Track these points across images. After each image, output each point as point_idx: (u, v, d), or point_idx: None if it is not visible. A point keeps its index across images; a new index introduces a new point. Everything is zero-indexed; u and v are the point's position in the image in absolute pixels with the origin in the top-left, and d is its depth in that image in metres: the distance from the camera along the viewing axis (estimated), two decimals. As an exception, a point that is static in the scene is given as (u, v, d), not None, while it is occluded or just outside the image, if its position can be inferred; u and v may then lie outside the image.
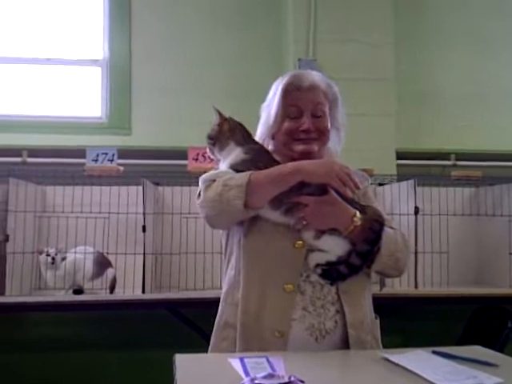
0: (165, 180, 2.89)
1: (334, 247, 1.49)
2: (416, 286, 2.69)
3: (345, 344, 1.52)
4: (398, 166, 3.27)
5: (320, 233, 1.50)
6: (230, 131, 1.58)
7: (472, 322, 2.71)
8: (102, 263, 2.62)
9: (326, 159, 1.62)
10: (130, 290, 2.59)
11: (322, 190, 1.52)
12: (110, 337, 2.91)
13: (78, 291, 2.58)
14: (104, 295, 2.56)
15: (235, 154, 1.54)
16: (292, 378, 1.14)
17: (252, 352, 1.44)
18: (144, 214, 2.61)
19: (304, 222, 1.49)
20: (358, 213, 1.52)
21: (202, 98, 3.35)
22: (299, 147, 1.61)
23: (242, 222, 1.54)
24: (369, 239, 1.49)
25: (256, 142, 1.62)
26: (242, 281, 1.53)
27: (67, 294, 2.56)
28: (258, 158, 1.56)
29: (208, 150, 1.64)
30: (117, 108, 3.35)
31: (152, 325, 2.81)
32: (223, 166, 1.57)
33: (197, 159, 2.77)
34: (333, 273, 1.49)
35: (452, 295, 2.71)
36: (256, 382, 1.13)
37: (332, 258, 1.49)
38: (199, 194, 1.55)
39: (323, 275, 1.49)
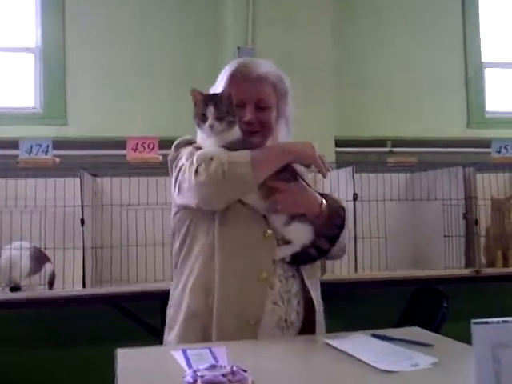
0: (103, 171, 2.83)
1: (300, 236, 1.54)
2: (356, 271, 2.76)
3: (303, 333, 1.57)
4: (337, 153, 3.32)
5: (291, 219, 1.54)
6: (233, 106, 1.53)
7: (410, 303, 2.80)
8: (40, 258, 2.54)
9: (305, 141, 1.61)
10: (69, 286, 2.53)
11: (294, 176, 1.56)
12: (50, 334, 2.83)
13: (15, 288, 2.49)
14: (42, 291, 2.49)
15: (235, 130, 1.53)
16: (234, 368, 1.14)
17: (226, 340, 1.45)
18: (82, 206, 2.54)
19: (278, 207, 1.52)
20: (323, 200, 1.57)
21: (140, 85, 3.30)
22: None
23: (214, 211, 1.53)
24: (337, 224, 1.56)
25: None
26: (218, 269, 1.52)
27: (3, 292, 2.47)
28: (246, 138, 1.56)
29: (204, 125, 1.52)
30: (51, 97, 3.25)
31: (94, 320, 2.75)
32: (214, 141, 1.51)
33: (136, 149, 2.72)
34: (302, 257, 1.54)
35: (390, 278, 2.79)
36: (198, 373, 1.12)
37: (296, 248, 1.54)
38: (196, 172, 1.47)
39: (293, 261, 1.54)
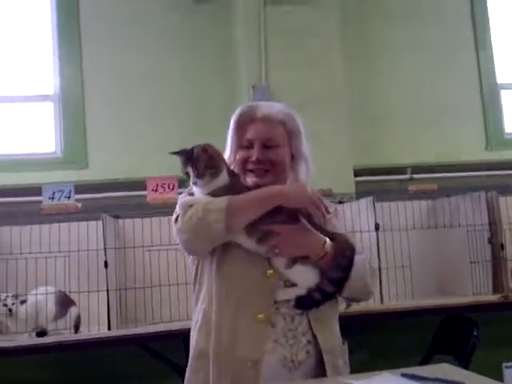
0: (125, 212, 2.86)
1: (304, 278, 1.51)
2: (382, 301, 2.72)
3: (317, 372, 1.52)
4: (357, 183, 3.31)
5: (292, 261, 1.51)
6: (218, 156, 1.56)
7: (439, 332, 2.74)
8: (65, 302, 2.56)
9: (299, 184, 1.64)
10: (95, 328, 2.54)
11: (294, 217, 1.55)
12: (77, 378, 2.82)
13: (42, 333, 2.51)
14: (69, 335, 2.49)
15: (221, 178, 1.55)
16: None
17: (225, 382, 1.43)
18: (105, 249, 2.56)
19: (276, 251, 1.50)
20: (327, 240, 1.54)
21: (158, 125, 3.35)
22: (252, 179, 1.62)
23: (214, 250, 1.54)
24: (342, 266, 1.51)
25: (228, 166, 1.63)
26: (215, 310, 1.53)
27: (30, 337, 2.48)
28: (236, 183, 1.58)
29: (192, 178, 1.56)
30: (71, 142, 3.31)
31: (121, 361, 2.74)
32: (201, 191, 1.55)
33: (156, 190, 2.74)
34: (307, 301, 1.50)
35: (417, 307, 2.74)
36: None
37: (302, 291, 1.50)
38: (176, 220, 1.54)
39: (297, 305, 1.50)
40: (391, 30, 3.73)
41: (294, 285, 1.52)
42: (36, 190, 2.71)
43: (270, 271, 1.52)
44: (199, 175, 1.51)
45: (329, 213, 1.58)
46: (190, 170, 1.52)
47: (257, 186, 1.59)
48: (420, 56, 3.73)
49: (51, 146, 3.34)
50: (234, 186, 1.55)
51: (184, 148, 1.56)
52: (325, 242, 1.53)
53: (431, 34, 3.76)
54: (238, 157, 1.65)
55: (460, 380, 1.36)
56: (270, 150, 1.62)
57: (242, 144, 1.64)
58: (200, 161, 1.51)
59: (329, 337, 1.56)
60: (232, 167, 1.65)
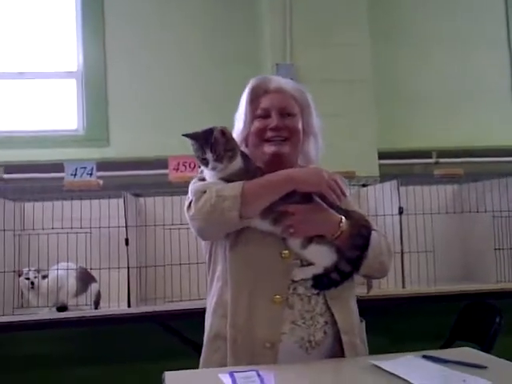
0: (146, 191, 2.85)
1: (320, 258, 1.49)
2: (403, 286, 2.69)
3: (334, 353, 1.51)
4: (381, 165, 3.26)
5: (307, 241, 1.49)
6: (233, 138, 1.54)
7: (461, 318, 2.70)
8: (86, 279, 2.58)
9: (314, 167, 1.62)
10: (115, 305, 2.55)
11: (308, 198, 1.52)
12: (96, 353, 2.85)
13: (62, 308, 2.53)
14: (89, 311, 2.51)
15: (236, 162, 1.52)
16: (282, 394, 1.12)
17: (242, 364, 1.42)
18: (126, 227, 2.56)
19: (291, 230, 1.48)
20: (343, 218, 1.52)
21: (180, 105, 3.33)
22: (270, 148, 1.59)
23: (228, 233, 1.53)
24: (358, 245, 1.50)
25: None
26: (230, 293, 1.51)
27: (51, 312, 2.51)
28: (249, 166, 1.55)
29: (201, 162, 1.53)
30: (94, 120, 3.30)
31: (139, 338, 2.76)
32: (214, 176, 1.52)
33: (177, 169, 2.73)
34: (324, 281, 1.49)
35: (439, 293, 2.70)
36: (245, 399, 1.10)
37: (319, 270, 1.49)
38: (189, 206, 1.52)
39: (315, 285, 1.49)
40: (420, 12, 3.64)
41: (310, 264, 1.50)
42: (58, 167, 2.72)
43: (286, 252, 1.50)
44: (218, 159, 1.47)
45: (345, 195, 1.55)
46: (208, 154, 1.47)
47: (276, 155, 1.58)
48: (449, 39, 3.64)
49: (74, 123, 3.34)
50: (248, 170, 1.53)
51: (196, 131, 1.52)
52: (340, 220, 1.51)
53: (462, 18, 3.66)
54: (253, 127, 1.62)
55: (483, 363, 1.33)
56: (287, 118, 1.61)
57: (257, 114, 1.62)
58: (219, 143, 1.47)
59: (347, 317, 1.54)
60: (243, 145, 1.64)
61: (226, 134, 1.49)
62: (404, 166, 3.35)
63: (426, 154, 3.42)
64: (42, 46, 3.39)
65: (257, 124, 1.62)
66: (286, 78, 1.73)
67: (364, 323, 1.64)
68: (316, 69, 3.09)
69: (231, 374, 1.30)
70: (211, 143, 1.46)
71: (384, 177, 2.98)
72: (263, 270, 1.50)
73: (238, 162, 1.51)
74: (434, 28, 3.64)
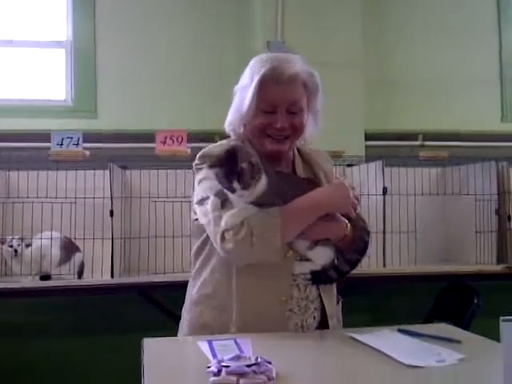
0: (132, 164, 2.86)
1: (321, 257, 1.53)
2: (384, 265, 2.73)
3: None
4: (367, 147, 3.29)
5: (314, 244, 1.53)
6: (257, 164, 1.42)
7: (440, 299, 2.75)
8: (70, 248, 2.58)
9: (340, 185, 1.57)
10: (98, 275, 2.56)
11: None
12: (78, 323, 2.86)
13: (46, 277, 2.54)
14: (72, 280, 2.52)
15: (261, 183, 1.43)
16: (259, 359, 1.14)
17: None
18: (111, 198, 2.57)
19: (303, 236, 1.51)
20: (348, 223, 1.56)
21: (169, 79, 3.31)
22: (271, 145, 1.58)
23: None
24: (359, 249, 1.56)
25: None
26: (236, 294, 1.52)
27: (34, 280, 2.52)
28: (271, 181, 1.47)
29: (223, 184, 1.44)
30: (82, 91, 3.28)
31: (122, 309, 2.78)
32: (240, 196, 1.44)
33: (164, 142, 2.73)
34: (322, 278, 1.55)
35: (419, 273, 2.75)
36: (223, 363, 1.12)
37: (316, 267, 1.54)
38: (223, 237, 1.44)
39: (314, 280, 1.55)
40: (408, 2, 3.64)
41: (307, 259, 1.54)
42: (45, 137, 2.70)
43: (290, 253, 1.53)
44: (245, 187, 1.40)
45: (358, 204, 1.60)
46: (234, 183, 1.39)
47: (275, 152, 1.59)
48: (439, 24, 3.64)
49: (62, 94, 3.32)
50: (272, 186, 1.46)
51: (218, 158, 1.42)
52: (346, 225, 1.55)
53: (452, 5, 3.67)
54: (257, 121, 1.57)
55: (457, 338, 1.37)
56: (294, 115, 1.57)
57: (264, 108, 1.56)
58: (246, 173, 1.39)
59: (332, 302, 1.62)
60: (241, 127, 1.62)
61: (252, 161, 1.40)
62: (390, 147, 3.37)
63: (412, 136, 3.45)
64: (32, 15, 3.35)
65: (261, 119, 1.57)
66: (297, 56, 1.64)
67: (341, 303, 1.70)
68: (306, 48, 3.07)
69: (209, 342, 1.33)
70: (238, 173, 1.39)
71: (370, 157, 3.01)
72: (269, 272, 1.51)
73: (262, 183, 1.44)
74: (424, 14, 3.64)
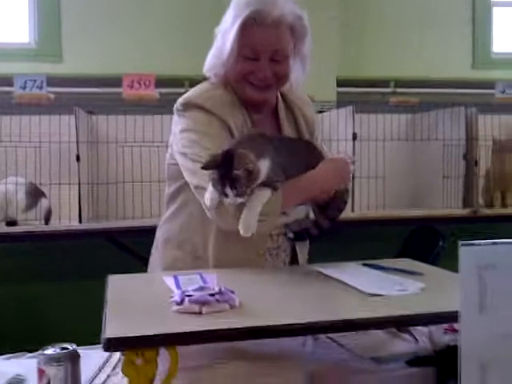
0: (99, 109, 2.79)
1: (297, 212, 1.52)
2: (353, 210, 2.75)
3: None
4: (338, 93, 3.26)
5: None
6: (257, 167, 1.33)
7: (407, 242, 2.80)
8: (35, 194, 2.54)
9: (339, 161, 1.56)
10: (66, 221, 2.53)
11: (307, 167, 1.50)
12: (46, 268, 2.84)
13: (11, 223, 2.50)
14: (39, 226, 2.49)
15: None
16: (223, 289, 1.14)
17: None
18: (77, 142, 2.51)
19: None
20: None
21: (137, 21, 3.21)
22: (253, 93, 1.52)
23: None
24: (340, 208, 1.56)
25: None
26: (215, 243, 1.51)
27: (0, 226, 2.48)
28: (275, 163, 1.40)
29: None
30: (46, 33, 3.16)
31: (90, 255, 2.75)
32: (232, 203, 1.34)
33: (132, 86, 2.67)
34: (304, 235, 1.57)
35: (387, 217, 2.79)
36: (186, 293, 1.13)
37: (289, 220, 1.52)
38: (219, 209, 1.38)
39: (295, 238, 1.57)
40: None
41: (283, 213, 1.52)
42: (8, 81, 2.61)
43: None
44: (239, 195, 1.31)
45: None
46: (228, 191, 1.30)
47: (256, 101, 1.53)
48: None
49: (25, 36, 3.19)
50: (273, 167, 1.38)
51: (214, 159, 1.32)
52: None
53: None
54: (239, 66, 1.50)
55: (419, 271, 1.40)
56: (278, 63, 1.49)
57: (246, 54, 1.48)
58: (241, 181, 1.29)
59: (304, 252, 1.65)
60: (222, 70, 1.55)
61: (248, 167, 1.29)
62: (361, 94, 3.35)
63: (383, 83, 3.43)
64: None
65: (243, 65, 1.49)
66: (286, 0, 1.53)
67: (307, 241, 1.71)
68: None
69: (175, 277, 1.33)
70: (230, 179, 1.29)
71: (341, 103, 2.99)
72: None
73: (265, 166, 1.36)
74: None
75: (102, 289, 1.30)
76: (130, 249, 2.59)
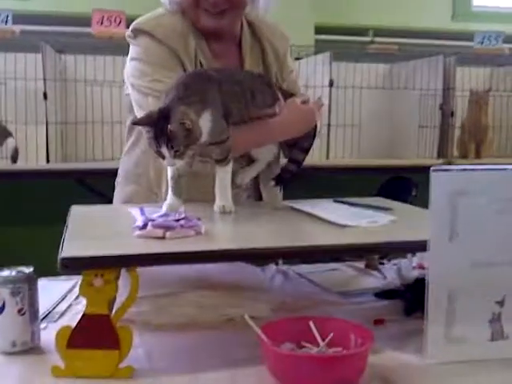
0: (68, 48, 2.68)
1: (264, 154, 1.45)
2: (328, 158, 2.73)
3: None
4: (317, 41, 3.20)
5: None
6: (197, 129, 1.20)
7: (380, 191, 2.78)
8: (1, 133, 2.45)
9: (301, 107, 1.44)
10: (33, 162, 2.45)
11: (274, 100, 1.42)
12: (12, 209, 2.75)
13: (-24, 162, 2.42)
14: (5, 164, 2.41)
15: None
16: (188, 215, 1.11)
17: None
18: (44, 80, 2.42)
19: None
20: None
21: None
22: (207, 21, 1.42)
23: None
24: (311, 134, 1.47)
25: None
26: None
27: (-37, 166, 2.40)
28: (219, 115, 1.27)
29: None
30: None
31: (56, 194, 2.67)
32: (171, 165, 1.24)
33: (102, 23, 2.57)
34: (286, 175, 1.46)
35: (361, 166, 2.78)
36: (150, 219, 1.09)
37: (262, 166, 1.47)
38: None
39: (278, 183, 1.45)
40: None
41: (251, 162, 1.46)
42: (-30, 16, 2.48)
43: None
44: (178, 156, 1.17)
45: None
46: (163, 148, 1.16)
47: (210, 28, 1.43)
48: None
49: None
50: (217, 121, 1.24)
51: (149, 116, 1.19)
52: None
53: None
54: None
55: (389, 206, 1.38)
56: None
57: None
58: (178, 138, 1.15)
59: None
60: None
61: (185, 123, 1.15)
62: (340, 42, 3.29)
63: (362, 31, 3.37)
64: None
65: None
66: None
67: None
68: None
69: (141, 208, 1.29)
70: (167, 137, 1.15)
71: (319, 51, 2.92)
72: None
73: (206, 124, 1.22)
74: None
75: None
76: (99, 191, 2.52)
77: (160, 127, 1.15)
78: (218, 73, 1.32)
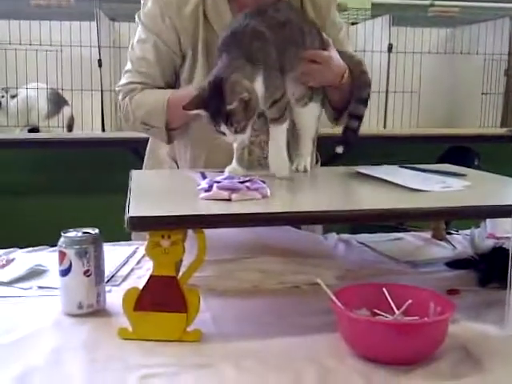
0: (121, 16, 2.66)
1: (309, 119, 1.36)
2: (385, 126, 2.64)
3: None
4: (373, 4, 3.06)
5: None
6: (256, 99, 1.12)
7: (440, 161, 2.67)
8: (58, 101, 2.46)
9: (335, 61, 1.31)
10: (89, 129, 2.46)
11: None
12: (66, 177, 2.77)
13: (34, 130, 2.44)
14: (62, 133, 2.43)
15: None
16: (253, 178, 1.07)
17: None
18: (99, 47, 2.41)
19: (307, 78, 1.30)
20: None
21: None
22: None
23: None
24: (365, 83, 1.38)
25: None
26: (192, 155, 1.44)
27: (22, 132, 2.42)
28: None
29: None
30: None
31: (111, 164, 2.68)
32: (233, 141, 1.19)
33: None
34: (350, 137, 1.37)
35: (421, 135, 2.67)
36: (215, 181, 1.05)
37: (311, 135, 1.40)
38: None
39: (345, 145, 1.35)
40: None
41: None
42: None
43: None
44: (239, 131, 1.10)
45: None
46: (223, 129, 1.10)
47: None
48: None
49: None
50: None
51: (199, 93, 1.10)
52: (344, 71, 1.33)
53: None
54: None
55: (461, 172, 1.30)
56: None
57: None
58: (238, 114, 1.08)
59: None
60: None
61: (243, 97, 1.07)
62: (398, 5, 3.14)
63: (422, -6, 3.21)
64: None
65: None
66: None
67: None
68: None
69: (202, 173, 1.26)
70: (227, 115, 1.07)
71: (376, 14, 2.81)
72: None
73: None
74: None
75: (122, 200, 1.19)
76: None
77: (214, 106, 1.08)
78: (262, 20, 1.17)
